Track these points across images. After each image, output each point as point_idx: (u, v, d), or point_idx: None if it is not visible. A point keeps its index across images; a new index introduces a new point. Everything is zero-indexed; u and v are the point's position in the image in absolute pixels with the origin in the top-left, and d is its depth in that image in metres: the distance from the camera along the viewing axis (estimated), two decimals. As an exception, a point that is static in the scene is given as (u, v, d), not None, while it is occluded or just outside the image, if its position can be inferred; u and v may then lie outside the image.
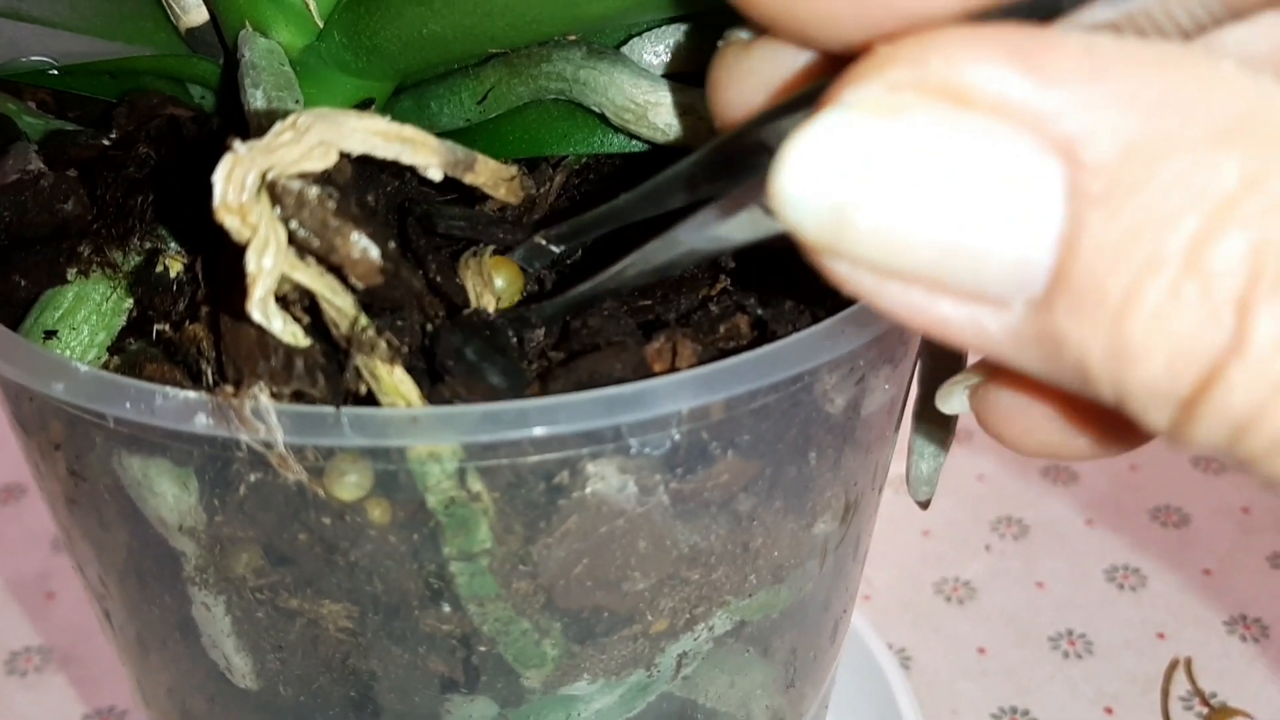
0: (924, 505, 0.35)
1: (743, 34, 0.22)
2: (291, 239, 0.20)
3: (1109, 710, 0.47)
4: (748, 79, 0.21)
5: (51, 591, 0.51)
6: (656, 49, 0.27)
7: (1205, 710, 0.47)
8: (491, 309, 0.24)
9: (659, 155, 0.27)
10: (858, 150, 0.15)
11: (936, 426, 0.33)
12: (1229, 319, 0.14)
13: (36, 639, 0.49)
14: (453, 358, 0.21)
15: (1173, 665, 0.49)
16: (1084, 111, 0.14)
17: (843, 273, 0.16)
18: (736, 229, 0.20)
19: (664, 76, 0.27)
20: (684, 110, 0.26)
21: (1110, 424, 0.22)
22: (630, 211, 0.24)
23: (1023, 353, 0.16)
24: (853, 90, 0.15)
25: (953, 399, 0.24)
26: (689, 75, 0.27)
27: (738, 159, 0.20)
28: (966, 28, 0.15)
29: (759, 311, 0.25)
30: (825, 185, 0.15)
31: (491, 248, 0.26)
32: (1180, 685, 0.48)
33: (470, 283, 0.24)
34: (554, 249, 0.25)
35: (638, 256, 0.23)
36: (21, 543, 0.54)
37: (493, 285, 0.25)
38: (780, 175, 0.15)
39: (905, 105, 0.15)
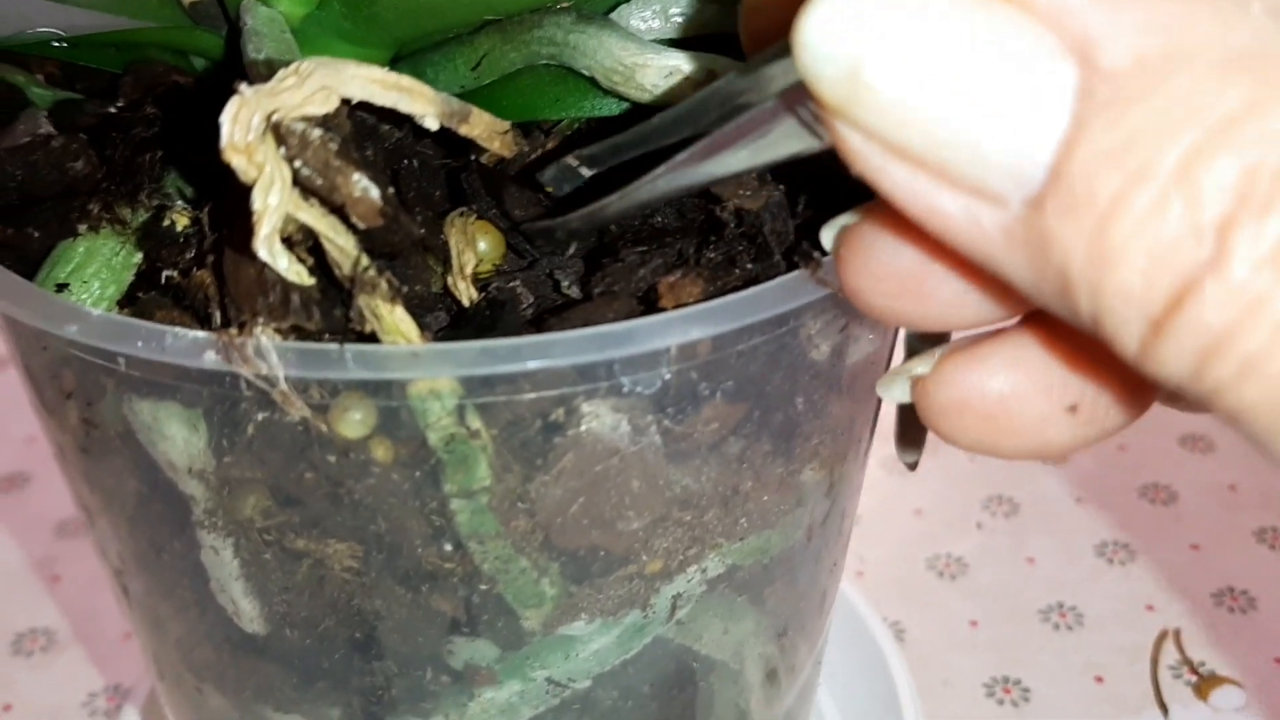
0: (911, 467, 0.36)
1: None
2: (295, 179, 0.20)
3: (1099, 679, 0.48)
4: (775, 11, 0.22)
5: (57, 575, 0.52)
6: (643, 14, 0.28)
7: (1194, 679, 0.48)
8: (470, 270, 0.25)
9: (648, 117, 0.28)
10: (882, 12, 0.16)
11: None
12: (1210, 235, 0.14)
13: (42, 620, 0.50)
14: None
15: (1162, 636, 0.50)
16: (1106, 20, 0.15)
17: (854, 145, 0.17)
18: (732, 160, 0.21)
19: (651, 41, 0.28)
20: (669, 72, 0.27)
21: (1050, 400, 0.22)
22: (661, 134, 0.24)
23: (1012, 254, 0.16)
24: None
25: (894, 388, 0.24)
26: (675, 39, 0.28)
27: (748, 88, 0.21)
28: None
29: (749, 265, 0.26)
30: (844, 38, 0.16)
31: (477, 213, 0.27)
32: (1169, 655, 0.49)
33: (454, 241, 0.25)
34: (584, 171, 0.25)
35: (639, 185, 0.23)
36: (26, 528, 0.55)
37: (475, 246, 0.26)
38: (805, 22, 0.16)
39: None
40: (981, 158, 0.16)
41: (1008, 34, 0.15)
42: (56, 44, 0.29)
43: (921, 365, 0.23)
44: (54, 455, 0.29)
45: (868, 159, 0.17)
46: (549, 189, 0.26)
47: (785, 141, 0.20)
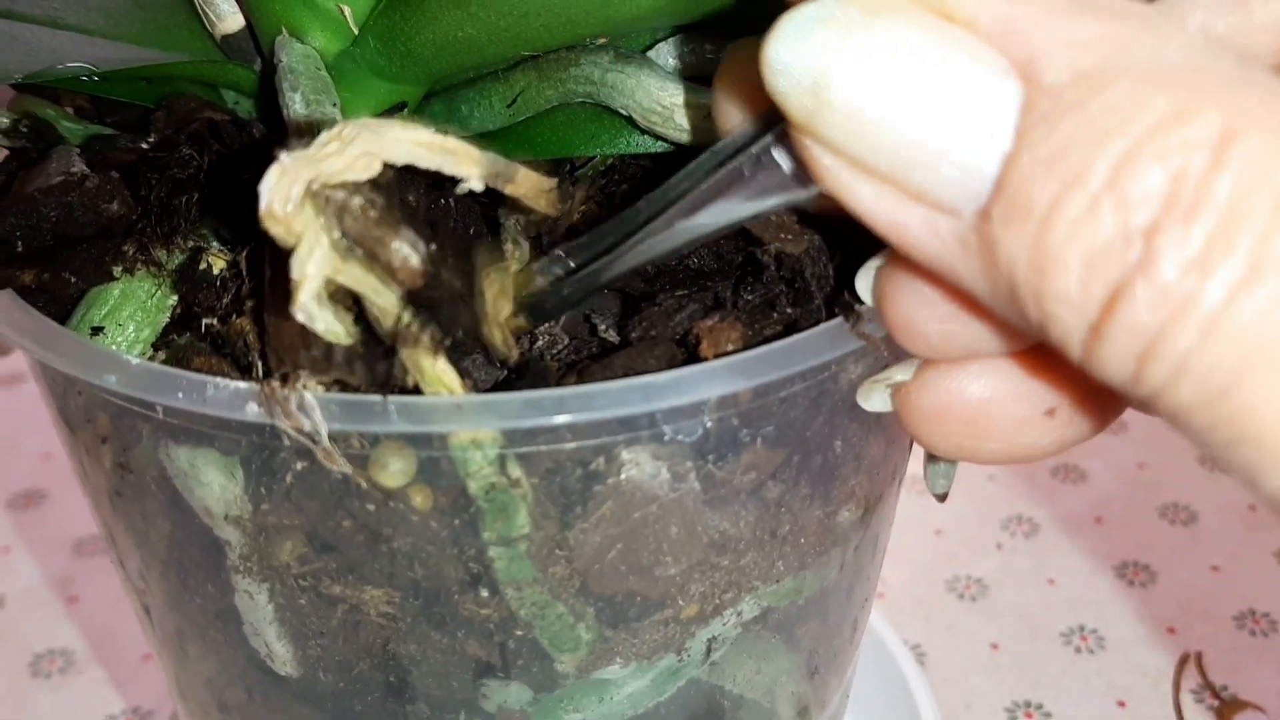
0: (941, 498, 0.36)
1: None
2: (335, 244, 0.20)
3: (1121, 704, 0.48)
4: (747, 87, 0.22)
5: (74, 595, 0.52)
6: (681, 52, 0.28)
7: (1216, 703, 0.48)
8: (504, 317, 0.25)
9: (684, 156, 0.28)
10: (842, 32, 0.16)
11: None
12: (1139, 239, 0.15)
13: (60, 641, 0.50)
14: None
15: (1183, 659, 0.50)
16: (1048, 40, 0.16)
17: (823, 163, 0.18)
18: (709, 218, 0.22)
19: (688, 80, 0.28)
20: (708, 112, 0.27)
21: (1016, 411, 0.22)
22: (637, 223, 0.25)
23: (968, 264, 0.17)
24: None
25: (873, 396, 0.24)
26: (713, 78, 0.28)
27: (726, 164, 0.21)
28: None
29: (788, 309, 0.26)
30: (808, 56, 0.17)
31: (518, 265, 0.26)
32: (1191, 679, 0.49)
33: (490, 293, 0.25)
34: (571, 262, 0.26)
35: (631, 246, 0.23)
36: (44, 547, 0.54)
37: (509, 295, 0.26)
38: (771, 42, 0.17)
39: (893, 6, 0.16)
40: (935, 170, 0.17)
41: (956, 54, 0.16)
42: (87, 77, 0.29)
43: (901, 373, 0.24)
44: (85, 495, 0.28)
45: (836, 176, 0.18)
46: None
47: (719, 217, 0.21)
